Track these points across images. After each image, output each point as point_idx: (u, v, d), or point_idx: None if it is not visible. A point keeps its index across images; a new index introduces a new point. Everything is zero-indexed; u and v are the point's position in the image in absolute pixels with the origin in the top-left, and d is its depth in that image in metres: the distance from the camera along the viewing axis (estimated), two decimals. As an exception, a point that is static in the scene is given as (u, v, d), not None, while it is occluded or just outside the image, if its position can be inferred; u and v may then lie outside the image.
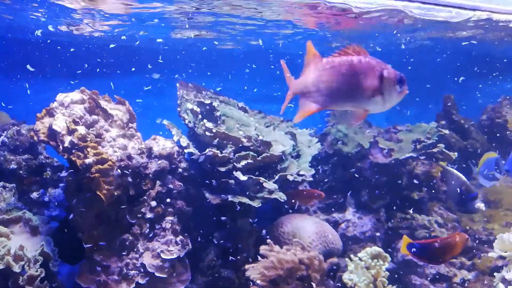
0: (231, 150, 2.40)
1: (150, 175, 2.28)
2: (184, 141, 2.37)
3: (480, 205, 2.84)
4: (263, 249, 2.32)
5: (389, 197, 3.16)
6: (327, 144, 3.17)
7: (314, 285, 2.46)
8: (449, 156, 2.87)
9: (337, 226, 3.12)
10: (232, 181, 2.39)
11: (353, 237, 3.06)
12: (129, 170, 2.18)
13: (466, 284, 2.84)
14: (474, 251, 2.95)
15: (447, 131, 2.98)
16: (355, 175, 3.16)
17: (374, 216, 3.13)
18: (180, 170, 2.38)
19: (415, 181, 3.11)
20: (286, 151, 2.60)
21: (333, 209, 3.19)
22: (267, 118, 2.99)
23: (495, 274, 2.53)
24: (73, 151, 2.04)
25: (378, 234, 3.09)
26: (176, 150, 2.39)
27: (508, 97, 3.46)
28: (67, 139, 2.04)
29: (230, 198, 2.37)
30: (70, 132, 2.09)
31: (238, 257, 2.48)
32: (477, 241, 2.97)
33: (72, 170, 2.11)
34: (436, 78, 3.49)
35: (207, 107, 2.61)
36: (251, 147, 2.51)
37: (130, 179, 2.19)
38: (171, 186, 2.31)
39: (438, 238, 2.20)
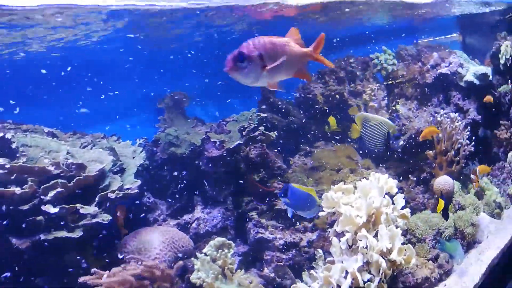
0: (32, 183, 1.90)
1: None
2: (-33, 187, 1.80)
3: (401, 142, 2.67)
4: (83, 280, 1.86)
5: (233, 186, 2.95)
6: (160, 150, 2.82)
7: (164, 296, 2.11)
8: (269, 136, 2.75)
9: (189, 227, 2.80)
10: (40, 218, 1.89)
11: (206, 232, 2.78)
12: None
13: (312, 245, 2.76)
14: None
15: (265, 114, 2.86)
16: (196, 173, 2.88)
17: (222, 207, 2.89)
18: (-30, 221, 1.81)
19: (252, 165, 2.95)
20: (106, 168, 2.18)
21: (182, 212, 2.87)
22: (86, 137, 2.53)
23: (329, 229, 2.47)
24: None
25: (228, 222, 2.86)
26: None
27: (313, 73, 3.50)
28: None
29: (42, 237, 1.88)
30: None
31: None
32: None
33: None
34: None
35: (1, 141, 2.05)
36: (62, 174, 2.04)
37: None
38: (-41, 243, 1.74)
39: None
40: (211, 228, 2.78)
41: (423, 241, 2.82)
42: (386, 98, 3.11)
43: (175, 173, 2.83)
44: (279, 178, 3.06)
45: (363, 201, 2.37)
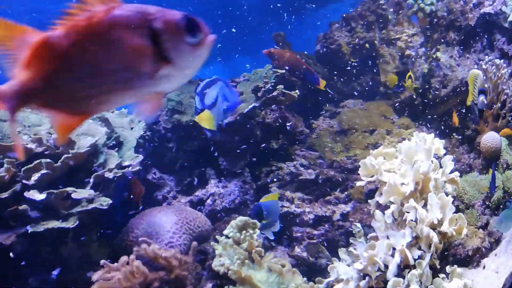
0: (9, 166, 1.55)
1: None
2: None
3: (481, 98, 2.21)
4: (96, 277, 1.57)
5: (249, 155, 2.60)
6: (162, 119, 2.45)
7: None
8: (291, 96, 2.37)
9: (203, 203, 2.48)
10: (25, 206, 1.55)
11: (223, 209, 2.46)
12: None
13: (346, 218, 2.46)
14: (346, 182, 2.57)
15: (282, 71, 2.47)
16: (206, 143, 2.52)
17: (239, 180, 2.55)
18: None
19: (269, 131, 2.59)
20: (99, 142, 1.82)
21: (194, 188, 2.54)
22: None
23: (369, 201, 2.17)
24: None
25: (247, 197, 2.53)
26: None
27: (336, 21, 3.06)
28: None
29: (30, 229, 1.55)
30: None
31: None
32: (345, 172, 2.57)
33: None
34: (259, 20, 2.94)
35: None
36: (46, 152, 1.69)
37: None
38: None
39: None
40: (228, 204, 2.46)
41: (472, 207, 2.53)
42: (424, 45, 2.69)
43: (183, 144, 2.47)
44: (301, 144, 2.71)
45: (409, 166, 2.07)
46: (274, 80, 2.44)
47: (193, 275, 1.91)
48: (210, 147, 2.53)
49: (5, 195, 1.53)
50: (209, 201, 2.47)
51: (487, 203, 2.55)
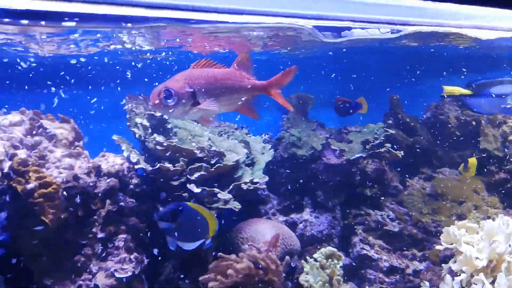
0: (183, 163, 2.21)
1: (99, 194, 2.07)
2: (135, 157, 2.17)
3: None
4: (212, 266, 2.14)
5: (344, 196, 3.05)
6: (282, 148, 3.02)
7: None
8: (395, 155, 2.78)
9: (295, 226, 2.98)
10: (186, 194, 2.21)
11: (311, 236, 2.93)
12: (76, 191, 1.97)
13: (418, 275, 2.77)
14: (425, 242, 2.89)
15: (393, 131, 2.89)
16: (310, 176, 3.03)
17: (330, 215, 3.01)
18: (131, 186, 2.18)
19: (367, 179, 3.02)
20: (240, 159, 2.44)
21: (291, 210, 3.06)
22: (222, 126, 2.82)
23: (443, 265, 2.47)
24: (13, 176, 1.81)
25: (334, 231, 2.98)
26: (127, 166, 2.18)
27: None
28: (6, 165, 1.81)
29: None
30: (10, 156, 1.86)
31: (197, 268, 2.30)
32: (427, 233, 2.90)
33: (14, 196, 1.88)
34: (381, 80, 3.39)
35: (158, 120, 2.41)
36: (205, 158, 2.34)
37: (78, 200, 1.98)
38: (122, 204, 2.11)
39: None
40: (316, 233, 2.92)
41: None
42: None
43: (292, 172, 3.01)
44: (393, 198, 3.09)
45: (487, 243, 2.35)
46: (383, 138, 2.87)
47: (281, 282, 2.41)
48: (313, 180, 3.03)
49: (176, 183, 2.20)
50: (301, 225, 2.96)
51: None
